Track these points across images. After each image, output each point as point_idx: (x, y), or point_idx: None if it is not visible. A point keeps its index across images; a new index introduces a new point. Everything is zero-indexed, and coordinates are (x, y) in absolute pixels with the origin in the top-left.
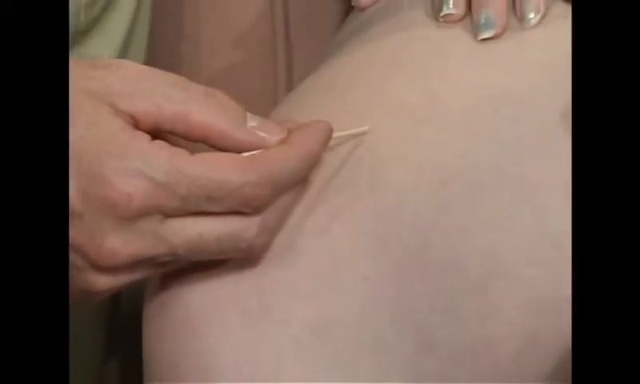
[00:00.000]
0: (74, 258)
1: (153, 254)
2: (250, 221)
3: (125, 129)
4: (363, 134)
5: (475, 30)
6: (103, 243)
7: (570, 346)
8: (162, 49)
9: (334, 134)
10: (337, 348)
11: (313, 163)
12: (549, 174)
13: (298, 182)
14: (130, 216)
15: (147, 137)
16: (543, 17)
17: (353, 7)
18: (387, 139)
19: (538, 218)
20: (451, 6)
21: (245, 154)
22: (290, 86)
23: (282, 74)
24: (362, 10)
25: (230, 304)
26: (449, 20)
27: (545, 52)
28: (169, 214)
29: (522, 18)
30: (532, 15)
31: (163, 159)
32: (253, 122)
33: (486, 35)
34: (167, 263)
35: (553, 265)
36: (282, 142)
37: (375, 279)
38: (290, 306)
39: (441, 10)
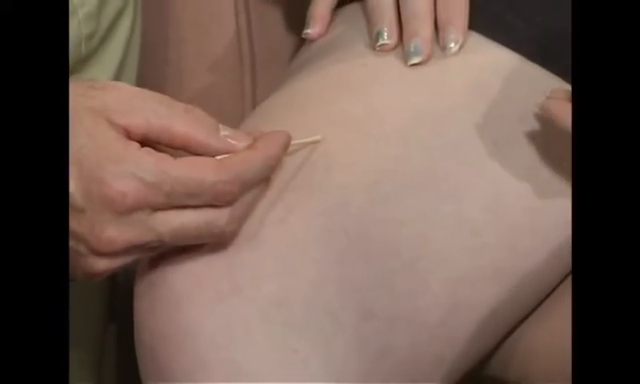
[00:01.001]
0: (77, 246)
1: (144, 241)
2: (222, 212)
3: (119, 139)
4: (316, 142)
5: (406, 56)
6: (102, 233)
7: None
8: (150, 73)
9: (292, 142)
10: (294, 317)
11: (274, 165)
12: (468, 175)
13: (262, 180)
14: (125, 210)
15: (137, 145)
16: (462, 46)
17: (304, 39)
18: (335, 147)
19: (459, 211)
20: (385, 37)
21: (218, 158)
22: (254, 104)
23: (248, 94)
24: (312, 41)
25: (207, 284)
26: (384, 49)
27: (463, 75)
28: (156, 208)
29: (444, 47)
30: (452, 45)
31: (151, 163)
32: (224, 131)
33: (415, 61)
34: (156, 248)
35: (471, 250)
36: (249, 147)
37: (324, 261)
38: (255, 284)
39: (377, 40)
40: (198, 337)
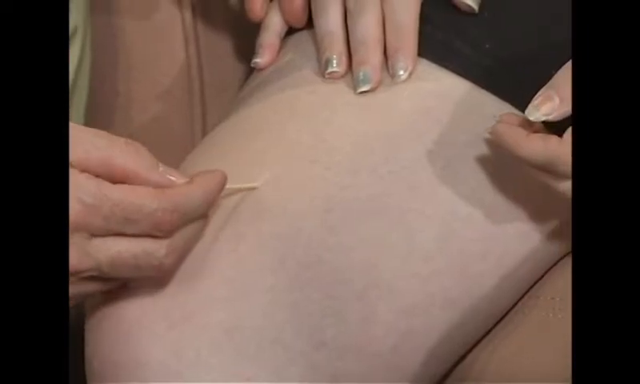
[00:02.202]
0: None
1: (82, 268)
2: (161, 243)
3: None
4: (252, 189)
5: (355, 84)
6: None
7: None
8: (100, 102)
9: (228, 186)
10: (246, 344)
11: (212, 201)
12: (418, 202)
13: (201, 215)
14: None
15: (77, 170)
16: (410, 74)
17: (254, 68)
18: (285, 176)
19: (409, 238)
20: (335, 64)
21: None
22: (204, 133)
23: (198, 123)
24: (261, 70)
25: (157, 311)
26: (333, 76)
27: (413, 102)
28: (94, 233)
29: (393, 75)
30: (402, 72)
31: (91, 185)
32: (162, 168)
33: (364, 89)
34: (95, 279)
35: (422, 276)
36: (187, 182)
37: (275, 289)
38: (206, 311)
39: (327, 68)
40: (149, 364)
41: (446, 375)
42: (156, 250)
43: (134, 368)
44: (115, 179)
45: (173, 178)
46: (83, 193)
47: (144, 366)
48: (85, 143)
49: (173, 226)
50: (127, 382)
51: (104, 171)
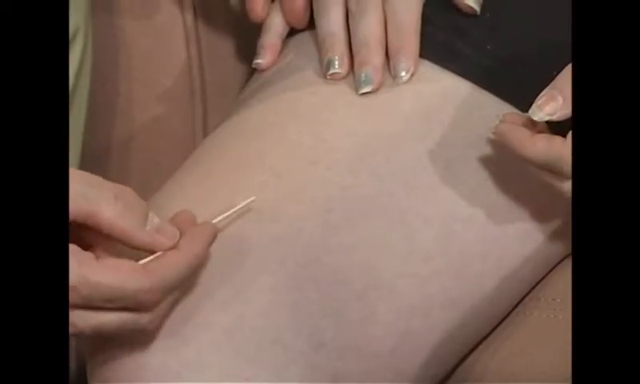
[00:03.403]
0: None
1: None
2: (142, 316)
3: None
4: (248, 203)
5: (356, 85)
6: None
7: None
8: (101, 103)
9: (222, 216)
10: (245, 345)
11: (198, 264)
12: (419, 202)
13: (185, 281)
14: None
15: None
16: (412, 75)
17: (255, 69)
18: (285, 176)
19: (409, 238)
20: (336, 65)
21: (141, 262)
22: (205, 134)
23: (199, 124)
24: (262, 71)
25: None
26: (335, 77)
27: (414, 103)
28: (75, 306)
29: (395, 75)
30: (403, 73)
31: (73, 266)
32: (154, 219)
33: (366, 90)
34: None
35: (422, 277)
36: (173, 247)
37: (275, 289)
38: (206, 312)
39: (328, 69)
40: (149, 364)
41: (447, 376)
42: (138, 321)
43: (135, 368)
44: (102, 232)
45: (161, 239)
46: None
47: (145, 366)
48: (74, 194)
49: (155, 303)
50: (127, 381)
51: (91, 224)
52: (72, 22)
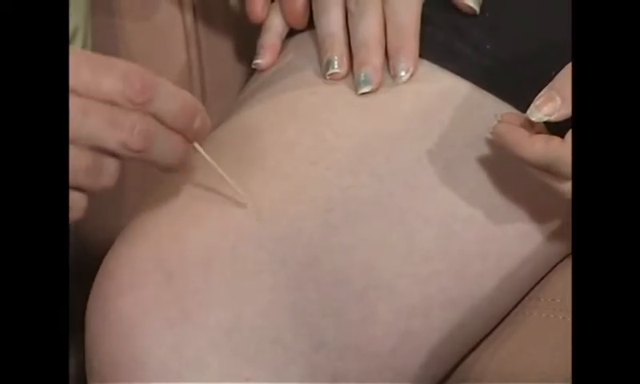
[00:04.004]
0: None
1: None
2: (129, 114)
3: None
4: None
5: (356, 85)
6: None
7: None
8: None
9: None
10: (244, 345)
11: (191, 116)
12: (419, 203)
13: (179, 123)
14: None
15: None
16: (412, 75)
17: (255, 69)
18: (285, 176)
19: (409, 238)
20: (336, 66)
21: None
22: None
23: None
24: (262, 71)
25: (156, 311)
26: (334, 78)
27: (414, 103)
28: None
29: (395, 75)
30: (403, 73)
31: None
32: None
33: (365, 90)
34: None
35: (422, 277)
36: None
37: (275, 289)
38: (205, 312)
39: (328, 69)
40: (148, 364)
41: (447, 376)
42: (123, 119)
43: (134, 368)
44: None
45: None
46: None
47: (144, 365)
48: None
49: (140, 98)
50: (127, 381)
51: None
52: (72, 22)
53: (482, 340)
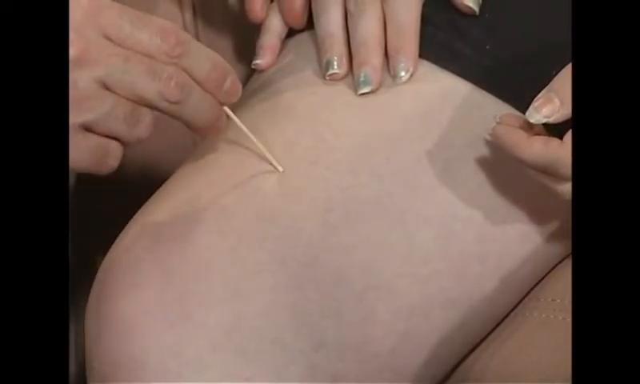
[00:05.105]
0: None
1: (88, 58)
2: (165, 67)
3: None
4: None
5: (356, 85)
6: None
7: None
8: None
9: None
10: (245, 345)
11: (222, 76)
12: (418, 203)
13: (206, 75)
14: None
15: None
16: (412, 75)
17: (254, 69)
18: (286, 176)
19: (409, 238)
20: (335, 66)
21: None
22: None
23: None
24: (261, 71)
25: (156, 311)
26: (334, 78)
27: (414, 103)
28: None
29: (394, 75)
30: (403, 73)
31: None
32: None
33: (365, 90)
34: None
35: (422, 277)
36: None
37: (275, 289)
38: (205, 312)
39: (327, 69)
40: (148, 364)
41: (447, 376)
42: (161, 70)
43: (134, 368)
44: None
45: None
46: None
47: (144, 366)
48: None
49: (176, 50)
50: (127, 382)
51: None
52: None
53: (482, 340)
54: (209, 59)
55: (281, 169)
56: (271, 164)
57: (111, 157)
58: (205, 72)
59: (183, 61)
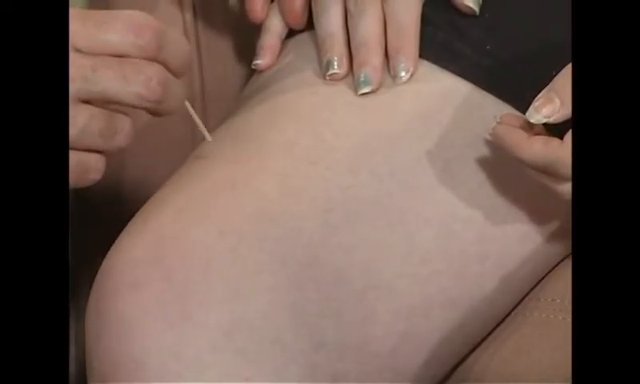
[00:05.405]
0: None
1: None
2: (143, 63)
3: None
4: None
5: (356, 85)
6: None
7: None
8: None
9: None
10: (245, 345)
11: (190, 59)
12: (418, 203)
13: (178, 65)
14: None
15: None
16: (412, 75)
17: (254, 70)
18: (285, 176)
19: (409, 238)
20: (336, 66)
21: None
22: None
23: None
24: (261, 71)
25: (156, 311)
26: (334, 78)
27: (414, 103)
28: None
29: (395, 75)
30: (403, 74)
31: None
32: None
33: (365, 90)
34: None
35: (421, 277)
36: None
37: (275, 289)
38: (205, 312)
39: (327, 69)
40: (148, 364)
41: (447, 376)
42: (137, 71)
43: (134, 368)
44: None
45: None
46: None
47: (144, 366)
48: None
49: (155, 44)
50: (127, 382)
51: None
52: None
53: (482, 340)
54: (183, 46)
55: (210, 138)
56: (204, 135)
57: (92, 171)
58: (180, 61)
59: (162, 54)
